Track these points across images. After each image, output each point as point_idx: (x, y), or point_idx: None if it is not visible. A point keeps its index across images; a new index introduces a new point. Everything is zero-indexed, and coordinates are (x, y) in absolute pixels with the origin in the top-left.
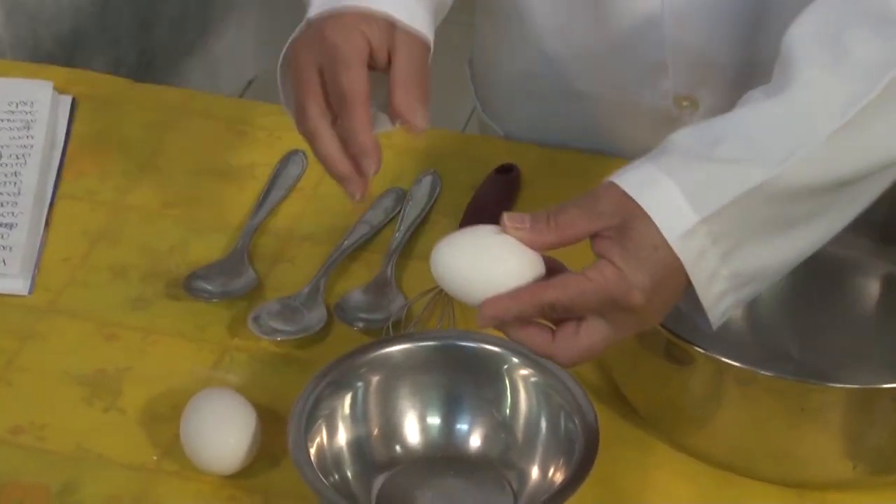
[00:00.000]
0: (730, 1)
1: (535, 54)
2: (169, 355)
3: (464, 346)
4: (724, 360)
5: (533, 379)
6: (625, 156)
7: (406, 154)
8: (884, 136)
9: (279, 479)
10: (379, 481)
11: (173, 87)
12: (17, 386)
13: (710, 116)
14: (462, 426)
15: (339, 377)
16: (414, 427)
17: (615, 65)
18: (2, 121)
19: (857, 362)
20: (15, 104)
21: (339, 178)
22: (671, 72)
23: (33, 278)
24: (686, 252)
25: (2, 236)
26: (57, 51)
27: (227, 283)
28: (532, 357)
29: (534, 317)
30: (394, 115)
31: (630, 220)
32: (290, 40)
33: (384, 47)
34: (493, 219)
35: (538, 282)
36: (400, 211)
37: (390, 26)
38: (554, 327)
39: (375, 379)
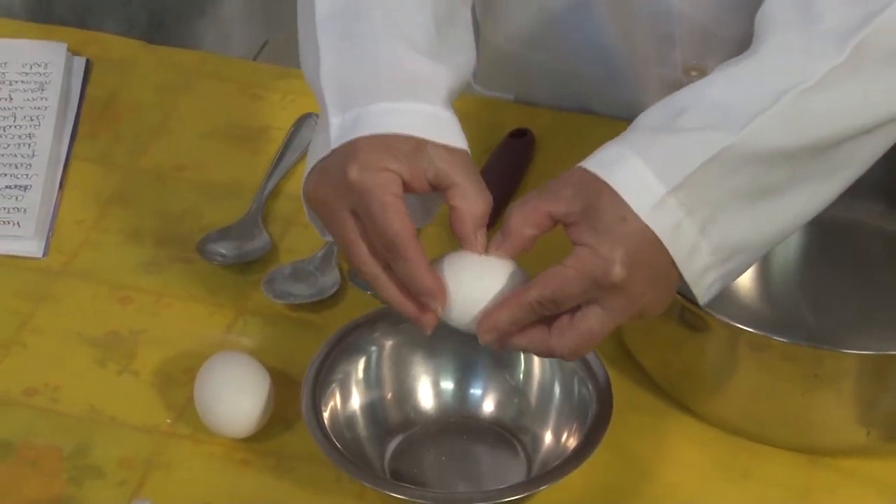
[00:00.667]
0: None
1: (543, 24)
2: (182, 318)
3: None
4: (737, 325)
5: None
6: None
7: None
8: (853, 100)
9: (292, 443)
10: (392, 445)
11: (186, 49)
12: (30, 347)
13: None
14: (475, 391)
15: (352, 341)
16: (427, 391)
17: (624, 34)
18: (16, 82)
19: (871, 328)
20: (29, 66)
21: (408, 319)
22: (678, 43)
23: (47, 240)
24: (660, 226)
25: (16, 198)
26: (68, 13)
27: (240, 246)
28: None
29: (527, 320)
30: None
31: (595, 199)
32: (310, 167)
33: (419, 172)
34: (506, 184)
35: (518, 289)
36: None
37: (417, 149)
38: None
39: (389, 343)
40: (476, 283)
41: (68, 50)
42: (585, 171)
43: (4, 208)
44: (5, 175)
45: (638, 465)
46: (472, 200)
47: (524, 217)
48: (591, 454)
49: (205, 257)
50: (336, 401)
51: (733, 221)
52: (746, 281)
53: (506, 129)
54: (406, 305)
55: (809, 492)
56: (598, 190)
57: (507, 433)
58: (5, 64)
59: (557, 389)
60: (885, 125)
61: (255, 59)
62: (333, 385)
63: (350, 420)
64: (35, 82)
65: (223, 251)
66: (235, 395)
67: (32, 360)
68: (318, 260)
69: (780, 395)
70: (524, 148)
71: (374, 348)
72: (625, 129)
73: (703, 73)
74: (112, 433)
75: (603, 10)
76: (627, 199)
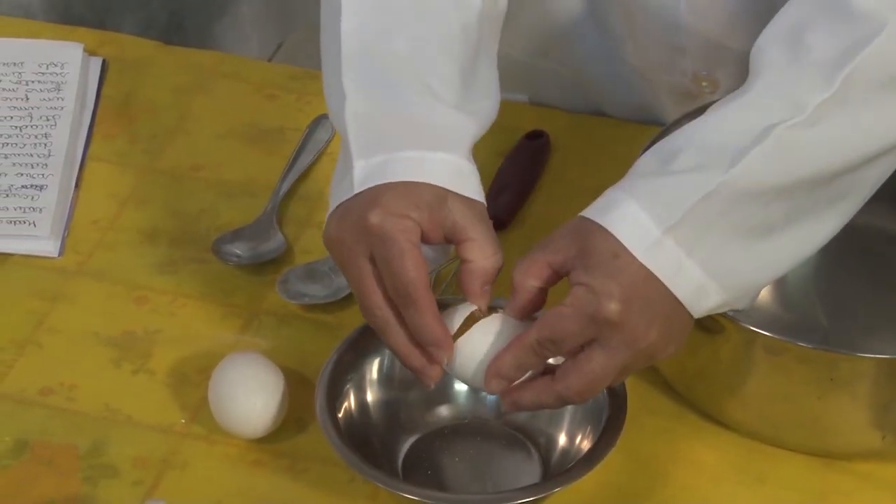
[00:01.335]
0: None
1: (554, 34)
2: (197, 318)
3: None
4: (753, 329)
5: None
6: (653, 122)
7: None
8: (844, 132)
9: (306, 444)
10: (405, 446)
11: (203, 49)
12: (46, 347)
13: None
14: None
15: (367, 342)
16: (441, 393)
17: (634, 45)
18: (33, 82)
19: (887, 332)
20: (46, 66)
21: (412, 370)
22: (688, 54)
23: (63, 240)
24: (659, 266)
25: (32, 198)
26: (87, 12)
27: (255, 246)
28: None
29: (530, 363)
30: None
31: (587, 241)
32: (333, 207)
33: (437, 223)
34: (521, 186)
35: (521, 333)
36: None
37: (439, 200)
38: None
39: None
40: (484, 338)
41: (85, 50)
42: (581, 217)
43: (20, 208)
44: (21, 175)
45: (652, 467)
46: (483, 257)
47: (525, 270)
48: (605, 457)
49: (220, 258)
50: (350, 402)
51: (738, 260)
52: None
53: (521, 131)
54: (413, 355)
55: (825, 495)
56: (591, 231)
57: (521, 435)
58: (22, 64)
59: None
60: (880, 156)
61: (270, 59)
62: (348, 386)
63: (364, 421)
64: (51, 82)
65: (238, 252)
66: (250, 396)
67: (48, 360)
68: (333, 261)
69: (796, 399)
70: (540, 150)
71: (388, 349)
72: (639, 131)
73: (713, 82)
74: (127, 433)
75: (612, 22)
76: (622, 240)
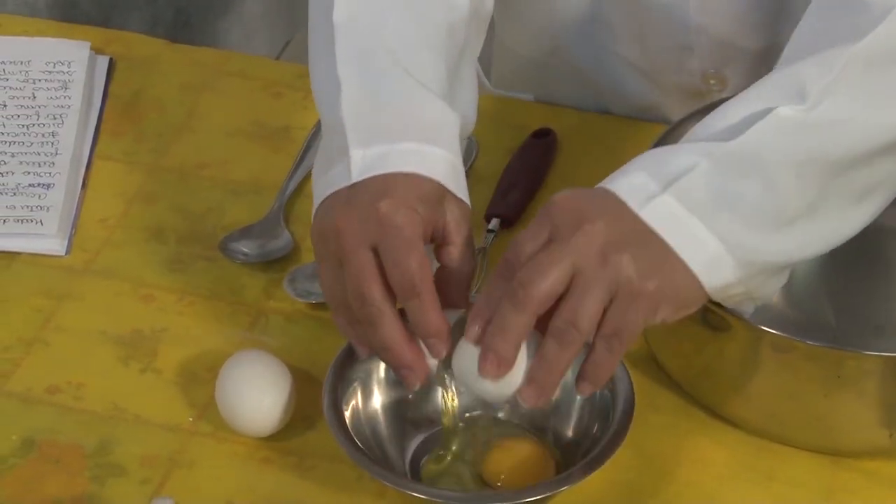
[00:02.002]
0: None
1: (562, 32)
2: (205, 317)
3: None
4: (760, 327)
5: None
6: (659, 120)
7: None
8: (849, 117)
9: (314, 442)
10: (413, 444)
11: (209, 47)
12: (53, 345)
13: (737, 93)
14: None
15: None
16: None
17: (643, 44)
18: (40, 81)
19: (895, 330)
20: (52, 64)
21: (401, 366)
22: (697, 53)
23: (70, 239)
24: (657, 218)
25: (39, 196)
26: (93, 9)
27: (263, 245)
28: None
29: (496, 294)
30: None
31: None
32: (323, 196)
33: (433, 221)
34: (529, 183)
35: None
36: None
37: (440, 197)
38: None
39: None
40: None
41: (91, 48)
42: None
43: (28, 206)
44: (28, 173)
45: (659, 465)
46: (462, 262)
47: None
48: (612, 455)
49: (227, 256)
50: (357, 400)
51: (756, 241)
52: None
53: (528, 129)
54: (406, 350)
55: (832, 493)
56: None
57: (528, 431)
58: (29, 62)
59: None
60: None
61: (277, 58)
62: (355, 384)
63: (371, 419)
64: (58, 81)
65: (245, 250)
66: (257, 394)
67: (55, 358)
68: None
69: (803, 397)
70: (547, 148)
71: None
72: (646, 129)
73: (721, 81)
74: (134, 431)
75: (620, 21)
76: (621, 195)
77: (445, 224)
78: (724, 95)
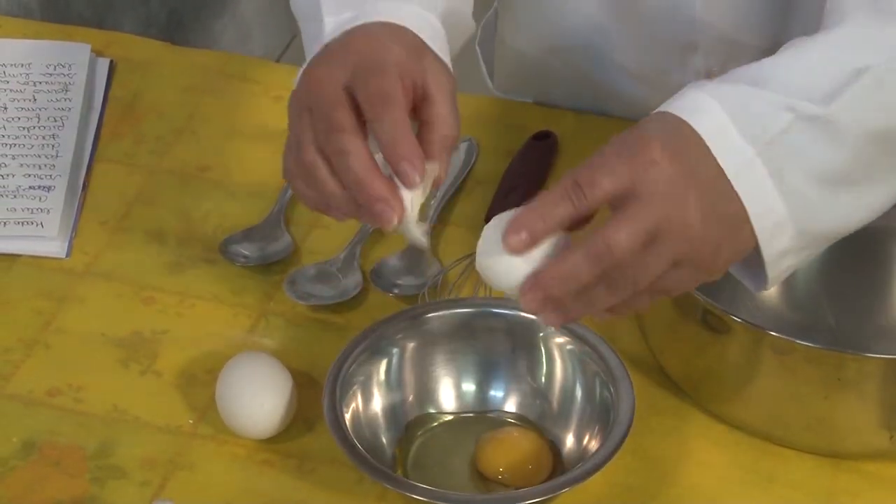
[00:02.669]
0: None
1: (565, 31)
2: (205, 319)
3: (499, 314)
4: (760, 328)
5: (569, 347)
6: None
7: None
8: None
9: (314, 444)
10: (414, 446)
11: (209, 50)
12: (54, 348)
13: None
14: (497, 393)
15: (374, 343)
16: (449, 393)
17: (646, 42)
18: (40, 83)
19: (895, 332)
20: (53, 67)
21: (375, 199)
22: (701, 50)
23: (71, 241)
24: (743, 186)
25: (39, 199)
26: (87, 10)
27: (263, 247)
28: (567, 325)
29: (560, 213)
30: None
31: (637, 133)
32: (302, 68)
33: (411, 74)
34: (529, 186)
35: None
36: None
37: (418, 48)
38: None
39: (411, 345)
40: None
41: (91, 51)
42: (669, 117)
43: (28, 209)
44: (29, 176)
45: (660, 467)
46: (446, 125)
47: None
48: (613, 457)
49: (227, 258)
50: (358, 402)
51: (819, 207)
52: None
53: (529, 132)
54: (379, 180)
55: (833, 495)
56: (684, 137)
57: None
58: (29, 65)
59: (579, 391)
60: None
61: (278, 59)
62: (355, 386)
63: (371, 421)
64: (59, 83)
65: (246, 252)
66: (257, 396)
67: (56, 361)
68: (341, 261)
69: (803, 399)
70: (547, 150)
71: (395, 350)
72: None
73: None
74: (135, 433)
75: (623, 18)
76: (716, 155)
77: (426, 83)
78: None
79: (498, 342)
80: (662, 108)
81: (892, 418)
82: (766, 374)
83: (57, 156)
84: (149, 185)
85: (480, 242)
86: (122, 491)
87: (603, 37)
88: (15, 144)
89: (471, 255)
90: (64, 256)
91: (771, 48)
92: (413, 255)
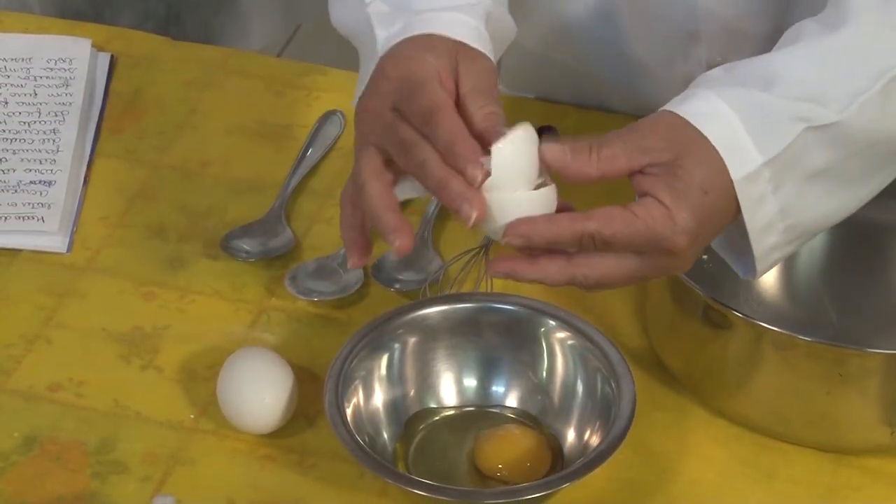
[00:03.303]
0: None
1: (568, 22)
2: (206, 314)
3: (501, 309)
4: (762, 324)
5: (570, 342)
6: None
7: None
8: None
9: (315, 439)
10: (415, 441)
11: (210, 45)
12: (55, 343)
13: None
14: (498, 388)
15: (375, 338)
16: (450, 388)
17: (648, 32)
18: (41, 78)
19: None
20: (54, 61)
21: (456, 197)
22: (703, 40)
23: (72, 236)
24: (746, 196)
25: (40, 193)
26: (84, 4)
27: (264, 242)
28: (569, 320)
29: (566, 244)
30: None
31: (681, 158)
32: (356, 96)
33: (451, 74)
34: None
35: (573, 213)
36: None
37: (454, 49)
38: None
39: (412, 340)
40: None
41: (92, 46)
42: (676, 118)
43: (29, 203)
44: (30, 171)
45: (661, 462)
46: (478, 115)
47: (606, 158)
48: (614, 452)
49: (229, 253)
50: (359, 397)
51: (811, 204)
52: (771, 279)
53: None
54: (454, 181)
55: (834, 491)
56: (685, 147)
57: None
58: (30, 59)
59: (580, 387)
60: None
61: (279, 53)
62: (356, 381)
63: (373, 416)
64: (60, 78)
65: (247, 247)
66: (259, 391)
67: (57, 356)
68: (342, 257)
69: (805, 395)
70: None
71: (396, 345)
72: None
73: None
74: (136, 429)
75: (625, 9)
76: (724, 157)
77: (458, 72)
78: None
79: (499, 337)
80: (671, 107)
81: (894, 414)
82: (768, 369)
83: (58, 150)
84: (150, 181)
85: (495, 160)
86: (124, 486)
87: (606, 27)
88: (16, 139)
89: (472, 251)
90: (65, 251)
91: (773, 36)
92: (414, 250)
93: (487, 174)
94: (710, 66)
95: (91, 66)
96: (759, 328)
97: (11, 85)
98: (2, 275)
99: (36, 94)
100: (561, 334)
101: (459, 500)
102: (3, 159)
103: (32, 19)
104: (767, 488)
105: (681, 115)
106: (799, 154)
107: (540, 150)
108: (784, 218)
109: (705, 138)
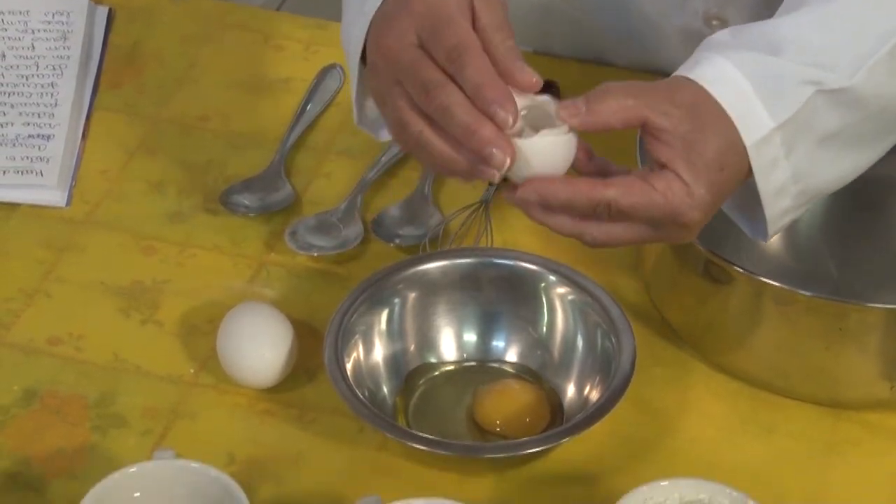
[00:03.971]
0: None
1: None
2: (206, 269)
3: (501, 264)
4: (762, 279)
5: (570, 297)
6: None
7: None
8: None
9: (315, 394)
10: (414, 395)
11: None
12: (54, 297)
13: None
14: (498, 343)
15: (375, 293)
16: (450, 343)
17: None
18: (38, 31)
19: None
20: (51, 15)
21: (485, 144)
22: None
23: (71, 190)
24: (759, 160)
25: (38, 147)
26: None
27: (264, 197)
28: (569, 275)
29: (581, 210)
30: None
31: (698, 130)
32: (368, 23)
33: (469, 8)
34: None
35: (593, 178)
36: None
37: None
38: None
39: (412, 295)
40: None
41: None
42: (696, 88)
43: (27, 157)
44: (28, 124)
45: (661, 418)
46: (497, 48)
47: (618, 110)
48: (613, 407)
49: (228, 208)
50: (359, 352)
51: (822, 167)
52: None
53: None
54: (484, 126)
55: (834, 445)
56: (706, 112)
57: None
58: (27, 13)
59: (580, 342)
60: None
61: (279, 7)
62: (356, 336)
63: (372, 371)
64: (57, 31)
65: (247, 202)
66: (258, 346)
67: (56, 310)
68: (342, 212)
69: (805, 349)
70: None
71: (396, 300)
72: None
73: (723, 23)
74: (136, 383)
75: None
76: (738, 127)
77: (474, 6)
78: None
79: (499, 292)
80: (684, 72)
81: (893, 368)
82: (768, 324)
83: (56, 104)
84: (149, 135)
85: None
86: (124, 440)
87: None
88: (13, 93)
89: (472, 206)
90: (64, 205)
91: None
92: (414, 205)
93: (516, 117)
94: (706, 18)
95: (89, 19)
96: (759, 283)
97: (9, 38)
98: (1, 229)
99: (34, 48)
100: (561, 289)
101: (459, 454)
102: (1, 113)
103: None
104: (767, 443)
105: (693, 79)
106: (810, 118)
107: (559, 106)
108: (796, 181)
109: (721, 109)
